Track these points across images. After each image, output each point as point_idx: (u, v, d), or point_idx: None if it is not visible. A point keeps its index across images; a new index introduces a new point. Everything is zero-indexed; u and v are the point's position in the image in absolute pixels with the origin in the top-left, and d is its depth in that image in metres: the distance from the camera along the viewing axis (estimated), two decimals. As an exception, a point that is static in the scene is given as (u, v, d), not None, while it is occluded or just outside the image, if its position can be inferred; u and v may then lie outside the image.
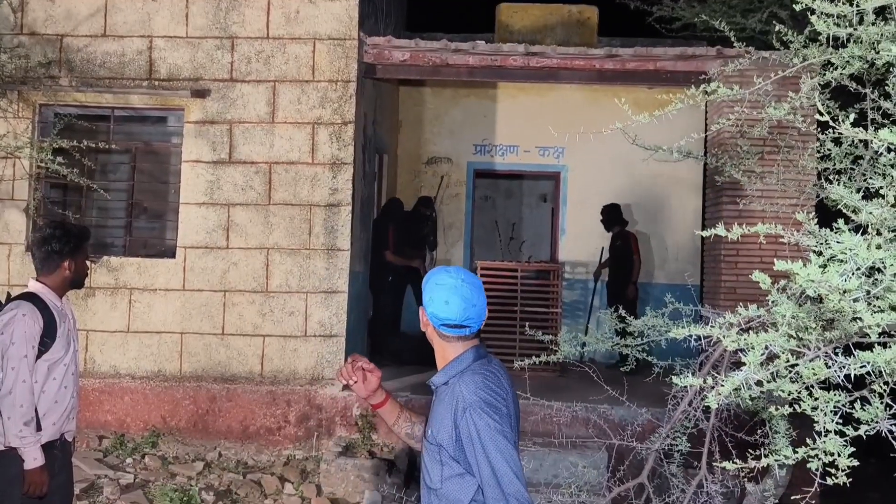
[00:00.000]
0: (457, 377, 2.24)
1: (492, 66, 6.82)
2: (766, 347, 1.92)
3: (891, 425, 2.03)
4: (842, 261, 1.75)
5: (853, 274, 1.71)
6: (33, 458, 3.33)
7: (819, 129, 3.60)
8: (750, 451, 2.51)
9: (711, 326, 2.10)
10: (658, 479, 3.57)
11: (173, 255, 6.72)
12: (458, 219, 9.51)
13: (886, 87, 3.09)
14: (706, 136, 7.60)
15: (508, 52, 6.67)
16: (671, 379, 3.71)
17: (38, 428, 3.39)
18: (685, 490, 3.24)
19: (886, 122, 3.11)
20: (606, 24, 9.48)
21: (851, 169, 3.45)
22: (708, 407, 3.17)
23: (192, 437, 6.52)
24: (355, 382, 2.38)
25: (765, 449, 3.31)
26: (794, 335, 1.92)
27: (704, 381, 1.93)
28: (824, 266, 1.76)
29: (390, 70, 7.03)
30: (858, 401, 2.10)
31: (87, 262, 3.64)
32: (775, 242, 7.32)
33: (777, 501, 3.03)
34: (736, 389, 1.89)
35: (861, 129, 2.13)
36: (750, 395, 1.92)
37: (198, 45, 6.74)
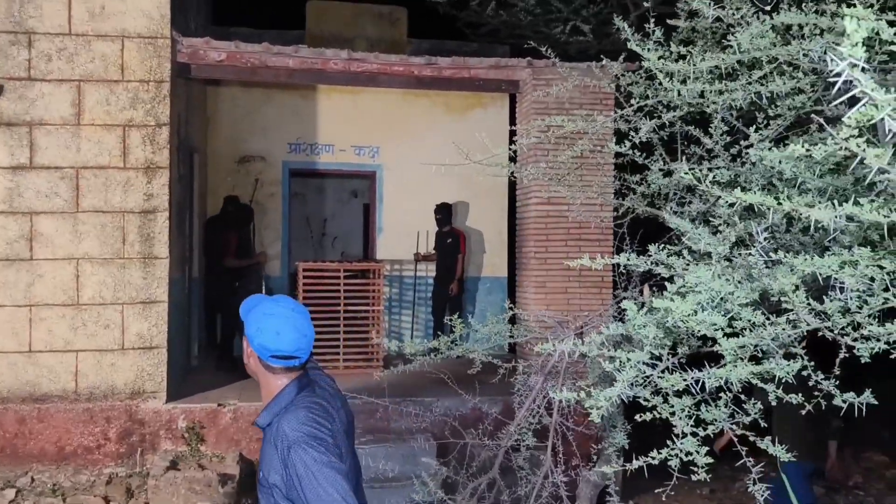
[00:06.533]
0: (279, 415, 2.17)
1: (312, 69, 6.83)
2: (628, 360, 2.21)
3: (731, 424, 2.42)
4: (697, 291, 2.06)
5: (708, 304, 2.03)
6: None
7: (616, 143, 3.99)
8: (593, 445, 2.84)
9: (575, 343, 2.36)
10: (509, 474, 3.87)
11: (-33, 269, 6.16)
12: (276, 219, 9.35)
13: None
14: (514, 140, 8.08)
15: (329, 56, 6.72)
16: (515, 376, 4.02)
17: None
18: (532, 481, 3.55)
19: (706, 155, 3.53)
20: (416, 25, 9.76)
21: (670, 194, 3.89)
22: (550, 404, 3.49)
23: (-1, 464, 6.05)
24: None
25: (603, 443, 3.71)
26: (653, 351, 2.23)
27: (568, 390, 2.18)
28: (683, 295, 2.06)
29: (206, 70, 6.82)
30: (703, 404, 2.46)
31: None
32: (579, 239, 7.96)
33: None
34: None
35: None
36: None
37: (-13, 40, 6.18)
